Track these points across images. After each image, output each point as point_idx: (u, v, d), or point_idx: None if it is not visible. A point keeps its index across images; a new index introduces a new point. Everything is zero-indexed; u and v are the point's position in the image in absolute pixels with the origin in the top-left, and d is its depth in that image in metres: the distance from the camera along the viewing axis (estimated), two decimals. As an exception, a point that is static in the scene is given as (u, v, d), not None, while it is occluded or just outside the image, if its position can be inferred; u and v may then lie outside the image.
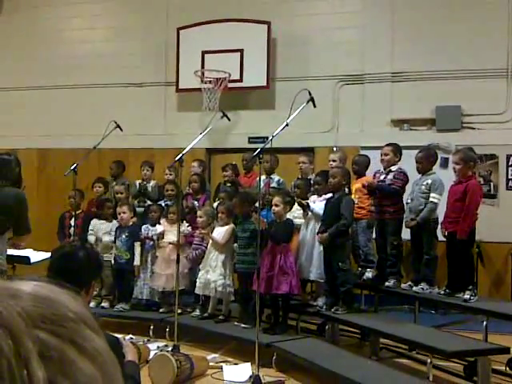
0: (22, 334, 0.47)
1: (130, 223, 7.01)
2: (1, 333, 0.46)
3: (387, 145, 6.38)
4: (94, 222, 7.24)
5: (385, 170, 6.31)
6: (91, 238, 7.11)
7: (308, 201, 6.24)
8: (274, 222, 5.98)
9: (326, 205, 5.99)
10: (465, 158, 5.63)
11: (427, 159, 6.06)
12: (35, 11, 10.07)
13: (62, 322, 0.50)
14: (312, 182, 6.60)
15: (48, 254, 6.00)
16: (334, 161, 6.81)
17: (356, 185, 6.60)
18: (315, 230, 6.08)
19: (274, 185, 6.96)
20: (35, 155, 9.91)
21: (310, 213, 6.19)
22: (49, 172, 9.74)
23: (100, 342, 0.53)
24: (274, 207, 5.91)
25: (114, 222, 7.15)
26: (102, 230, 7.17)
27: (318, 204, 6.16)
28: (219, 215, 6.44)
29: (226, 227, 6.39)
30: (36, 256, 5.99)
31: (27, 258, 5.83)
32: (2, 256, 4.22)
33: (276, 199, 5.95)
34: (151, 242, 6.92)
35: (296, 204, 6.26)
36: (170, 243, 6.67)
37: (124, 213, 6.97)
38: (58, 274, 2.53)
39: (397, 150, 6.28)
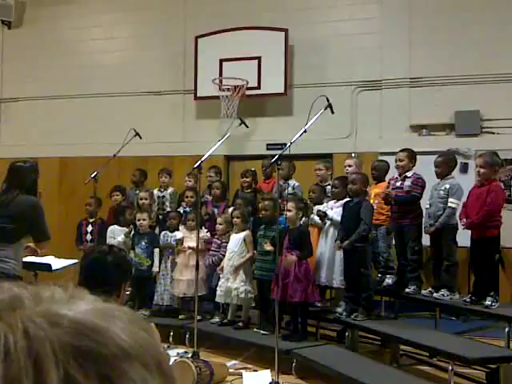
0: (47, 366, 0.44)
1: (148, 230, 7.08)
2: (26, 360, 0.44)
3: (402, 150, 6.35)
4: (112, 229, 7.30)
5: (400, 176, 6.27)
6: (118, 243, 7.19)
7: (325, 209, 6.23)
8: (287, 228, 5.98)
9: (344, 209, 5.98)
10: (490, 161, 5.57)
11: (446, 164, 6.02)
12: (55, 22, 10.22)
13: (98, 357, 0.45)
14: (330, 185, 6.61)
15: (69, 261, 6.07)
16: (349, 166, 6.82)
17: (375, 190, 6.58)
18: (335, 237, 6.08)
19: (289, 189, 6.96)
20: (56, 164, 10.03)
21: (328, 222, 6.20)
22: (69, 180, 9.85)
23: (151, 381, 0.47)
24: (287, 212, 5.91)
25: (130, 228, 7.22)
26: (120, 236, 7.23)
27: (335, 210, 6.16)
28: (234, 220, 6.45)
29: (243, 235, 6.39)
30: (57, 263, 6.05)
31: (48, 266, 5.89)
32: (18, 263, 4.28)
33: (289, 204, 5.94)
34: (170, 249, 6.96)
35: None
36: (189, 247, 6.71)
37: (144, 220, 7.03)
38: (88, 279, 2.58)
39: (412, 155, 6.24)
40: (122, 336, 0.48)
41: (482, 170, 5.57)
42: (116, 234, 7.24)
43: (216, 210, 7.25)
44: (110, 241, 7.20)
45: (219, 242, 6.70)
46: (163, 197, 8.08)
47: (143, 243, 6.98)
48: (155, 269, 6.93)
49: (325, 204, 6.44)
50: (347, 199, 6.04)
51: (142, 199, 7.61)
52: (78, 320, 0.47)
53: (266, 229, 6.20)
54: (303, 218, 6.24)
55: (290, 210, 5.90)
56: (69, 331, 0.46)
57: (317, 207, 6.41)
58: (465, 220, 5.62)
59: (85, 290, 0.55)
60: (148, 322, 0.54)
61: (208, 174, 7.68)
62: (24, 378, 0.43)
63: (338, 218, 6.01)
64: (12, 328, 0.45)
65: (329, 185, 6.83)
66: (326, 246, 6.24)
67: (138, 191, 7.99)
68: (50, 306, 0.49)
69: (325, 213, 6.15)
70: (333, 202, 6.35)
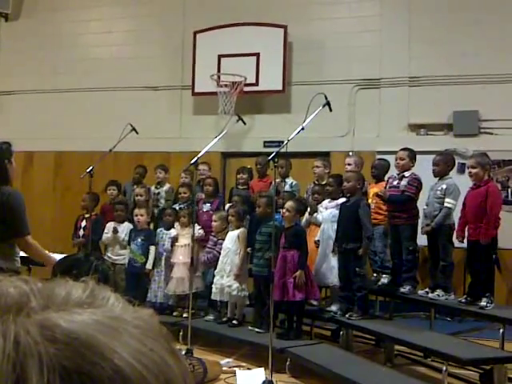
0: (29, 383, 0.40)
1: (145, 226, 7.04)
2: (10, 373, 0.40)
3: (403, 149, 6.32)
4: (109, 225, 7.28)
5: (398, 175, 6.25)
6: (106, 238, 7.19)
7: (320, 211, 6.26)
8: (282, 227, 5.94)
9: (340, 210, 5.95)
10: (482, 161, 5.60)
11: (445, 163, 6.01)
12: (53, 15, 10.16)
13: (89, 380, 0.41)
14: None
15: (63, 256, 6.02)
16: (349, 164, 6.79)
17: (374, 189, 6.56)
18: (332, 237, 6.06)
19: (287, 188, 6.94)
20: (51, 158, 9.99)
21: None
22: (65, 175, 9.80)
23: None
24: (285, 211, 5.88)
25: (126, 224, 7.17)
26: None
27: (329, 210, 6.17)
28: (229, 218, 6.42)
29: (237, 232, 6.36)
30: (51, 258, 6.01)
31: (42, 260, 5.85)
32: (17, 258, 4.22)
33: (289, 204, 5.91)
34: (165, 245, 6.93)
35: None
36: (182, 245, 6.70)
37: (141, 215, 6.99)
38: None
39: (412, 155, 6.24)
40: (125, 356, 0.43)
41: (473, 171, 5.61)
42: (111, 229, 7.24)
43: (209, 206, 7.19)
44: (105, 236, 7.19)
45: (215, 239, 6.67)
46: (158, 193, 8.05)
47: (139, 240, 6.94)
48: (149, 266, 6.89)
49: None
50: (344, 200, 6.01)
51: (137, 195, 7.58)
52: (74, 335, 0.43)
53: (261, 225, 6.18)
54: (304, 216, 6.24)
55: (288, 211, 5.86)
56: (62, 348, 0.42)
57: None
58: (461, 239, 5.67)
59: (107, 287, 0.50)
60: (171, 338, 0.49)
61: (202, 168, 7.63)
62: None
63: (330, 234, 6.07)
64: (5, 334, 0.42)
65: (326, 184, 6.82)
66: (322, 247, 6.22)
67: (135, 187, 7.95)
68: (52, 314, 0.44)
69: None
70: (327, 201, 6.34)
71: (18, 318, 0.44)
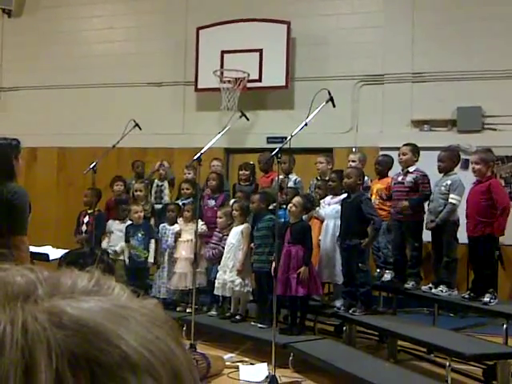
0: (38, 369, 0.41)
1: (141, 221, 7.05)
2: (19, 359, 0.41)
3: (405, 144, 6.31)
4: (110, 223, 7.29)
5: (402, 170, 6.23)
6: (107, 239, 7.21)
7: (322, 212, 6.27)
8: (287, 222, 5.95)
9: (342, 207, 5.95)
10: (485, 157, 5.59)
11: (451, 159, 5.99)
12: (56, 11, 10.16)
13: (97, 366, 0.42)
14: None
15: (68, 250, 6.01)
16: (353, 161, 6.78)
17: (377, 185, 6.55)
18: (335, 234, 6.06)
19: (291, 184, 6.94)
20: (55, 154, 10.00)
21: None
22: (68, 171, 9.82)
23: None
24: (292, 206, 5.87)
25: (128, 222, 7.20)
26: (117, 230, 7.22)
27: (332, 206, 6.17)
28: (233, 213, 6.42)
29: (241, 227, 6.37)
30: (55, 253, 6.02)
31: (46, 255, 5.86)
32: None
33: (297, 200, 5.90)
34: (168, 241, 6.93)
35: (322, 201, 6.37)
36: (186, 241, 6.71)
37: (140, 211, 7.01)
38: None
39: (415, 149, 6.22)
40: (132, 343, 0.43)
41: (476, 167, 5.60)
42: (113, 228, 7.23)
43: (214, 202, 7.19)
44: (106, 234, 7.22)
45: (220, 235, 6.67)
46: (162, 185, 8.06)
47: (139, 235, 6.93)
48: (151, 259, 6.90)
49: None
50: (345, 196, 6.00)
51: (137, 191, 7.58)
52: (82, 322, 0.43)
53: (257, 222, 6.19)
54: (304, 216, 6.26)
55: (295, 206, 5.86)
56: (70, 334, 0.42)
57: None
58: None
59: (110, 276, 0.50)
60: (176, 328, 0.49)
61: (212, 164, 7.68)
62: (12, 376, 0.40)
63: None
64: (13, 321, 0.42)
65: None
66: (326, 243, 6.22)
67: (133, 182, 7.97)
68: (59, 302, 0.45)
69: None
70: (329, 197, 6.33)
71: (26, 305, 0.44)
